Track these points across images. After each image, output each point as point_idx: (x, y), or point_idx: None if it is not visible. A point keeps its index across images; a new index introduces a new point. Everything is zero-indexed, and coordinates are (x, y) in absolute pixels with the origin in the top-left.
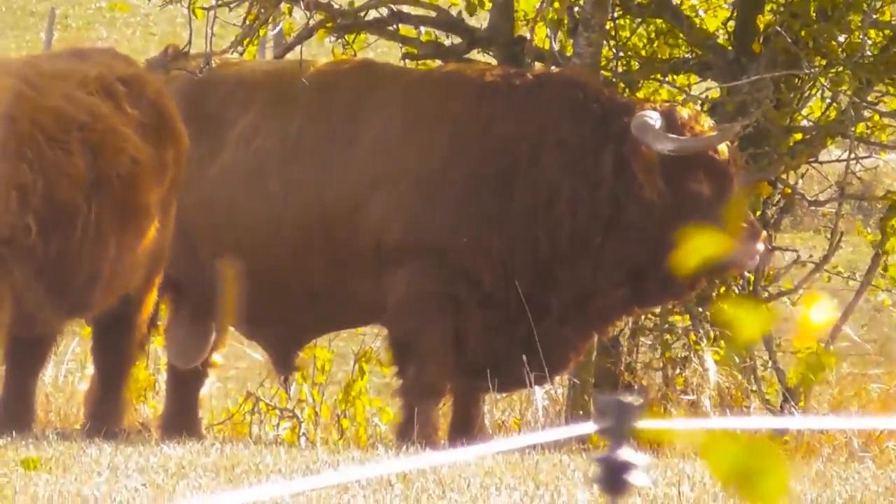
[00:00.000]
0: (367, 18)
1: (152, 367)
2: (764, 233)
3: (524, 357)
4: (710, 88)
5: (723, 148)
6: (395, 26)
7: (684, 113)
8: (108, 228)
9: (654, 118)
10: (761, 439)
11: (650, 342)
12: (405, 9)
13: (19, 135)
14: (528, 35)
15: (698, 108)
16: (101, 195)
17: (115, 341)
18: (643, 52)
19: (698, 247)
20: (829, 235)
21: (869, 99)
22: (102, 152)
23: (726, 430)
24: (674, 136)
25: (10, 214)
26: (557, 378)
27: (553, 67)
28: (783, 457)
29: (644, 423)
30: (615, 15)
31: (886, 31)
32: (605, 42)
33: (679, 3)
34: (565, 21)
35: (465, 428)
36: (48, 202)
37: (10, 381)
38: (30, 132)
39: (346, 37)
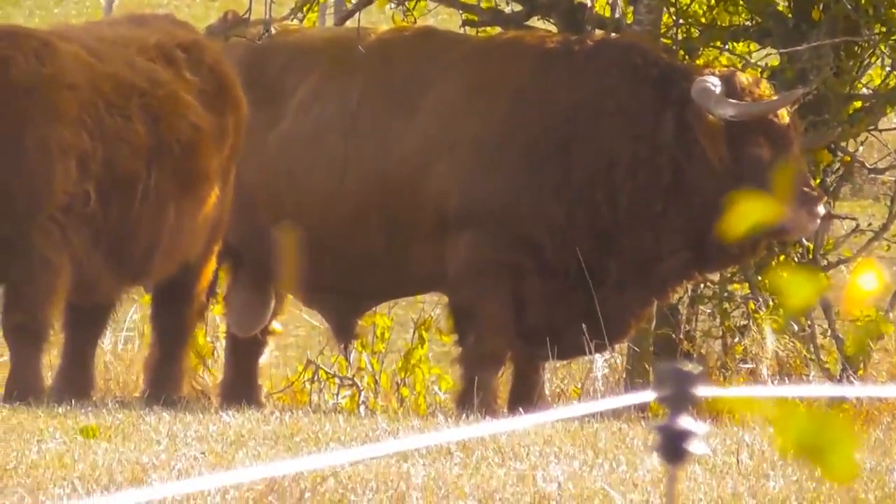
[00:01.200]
0: None
1: (211, 334)
2: (824, 196)
3: (584, 325)
4: (769, 55)
5: (783, 112)
6: None
7: (744, 78)
8: (168, 196)
9: (714, 83)
10: (831, 412)
11: (709, 311)
12: None
13: (80, 102)
14: (588, 2)
15: (758, 74)
16: (161, 162)
17: (174, 309)
18: (703, 20)
19: (748, 212)
20: (888, 203)
21: None
22: (162, 119)
23: (791, 401)
24: (734, 101)
25: (69, 182)
26: (617, 346)
27: (613, 34)
28: (852, 429)
29: (703, 392)
30: None
31: None
32: (664, 9)
33: None
34: None
35: (525, 396)
36: (108, 169)
37: (69, 349)
38: (90, 99)
39: (406, 4)
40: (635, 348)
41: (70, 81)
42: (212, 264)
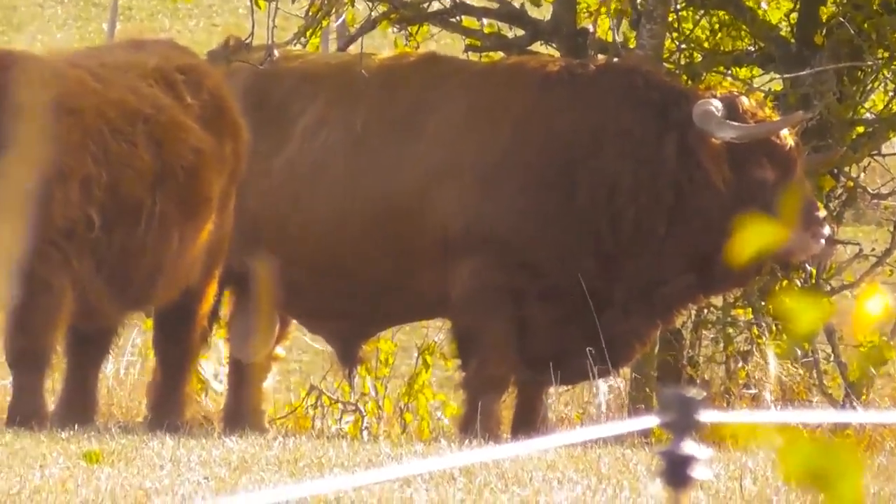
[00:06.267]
0: (429, 10)
1: (215, 359)
2: (829, 218)
3: (589, 349)
4: (772, 80)
5: (786, 135)
6: (458, 18)
7: (745, 101)
8: (172, 221)
9: (716, 106)
10: (836, 438)
11: (712, 336)
12: (468, 0)
13: (84, 127)
14: (590, 27)
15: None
16: (166, 188)
17: (176, 334)
18: (706, 44)
19: (752, 235)
20: (891, 228)
21: None
22: (166, 144)
23: (795, 427)
24: (736, 123)
25: (72, 207)
26: (620, 371)
27: (615, 59)
28: (859, 456)
29: (706, 417)
30: (678, 7)
31: None
32: (667, 34)
33: None
34: (628, 12)
35: (528, 421)
36: (113, 195)
37: (71, 374)
38: (95, 125)
39: (408, 28)
40: (638, 374)
41: (74, 106)
42: (213, 289)
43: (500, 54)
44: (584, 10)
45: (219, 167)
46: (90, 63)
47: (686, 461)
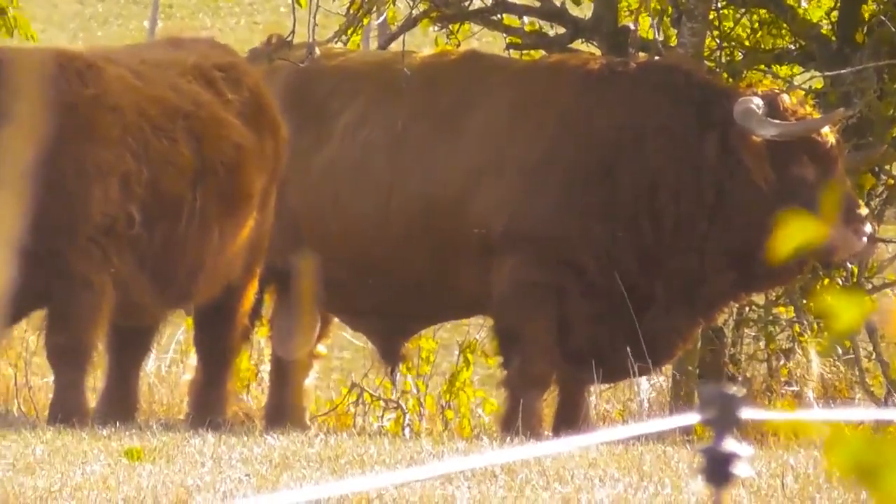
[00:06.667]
0: (471, 8)
1: (255, 357)
2: (866, 212)
3: (628, 347)
4: (813, 78)
5: (827, 132)
6: (499, 16)
7: (786, 98)
8: (212, 217)
9: (757, 103)
10: (886, 435)
11: (754, 333)
12: None
13: (125, 124)
14: (631, 25)
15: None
16: (206, 184)
17: (217, 332)
18: (746, 42)
19: (794, 232)
20: None
21: None
22: (206, 140)
23: (838, 424)
24: (777, 121)
25: (108, 204)
26: (662, 368)
27: (656, 57)
28: None
29: (747, 414)
30: (719, 5)
31: None
32: (708, 32)
33: None
34: (669, 11)
35: (570, 419)
36: (153, 192)
37: (112, 372)
38: (135, 122)
39: (450, 26)
40: (680, 371)
41: (113, 103)
42: (253, 286)
43: (541, 52)
44: (626, 8)
45: (259, 164)
46: (130, 60)
47: (727, 458)
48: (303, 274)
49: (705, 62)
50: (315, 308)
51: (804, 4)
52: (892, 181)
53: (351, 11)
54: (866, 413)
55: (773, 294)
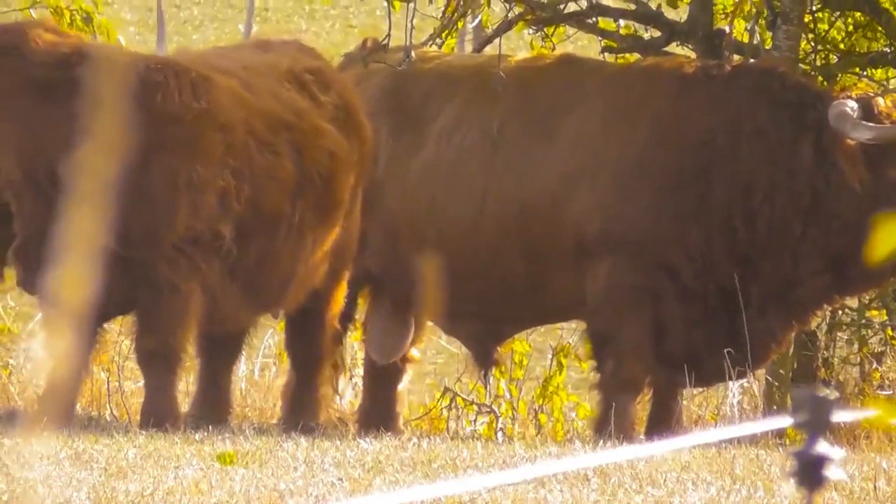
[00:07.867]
0: (566, 11)
1: (349, 361)
2: None
3: (728, 350)
4: None
5: None
6: (594, 19)
7: (881, 101)
8: (308, 227)
9: (851, 107)
10: None
11: (847, 337)
12: (605, 1)
13: (230, 143)
14: (726, 28)
15: None
16: (305, 195)
17: (308, 336)
18: (841, 46)
19: (890, 234)
20: None
21: None
22: (306, 151)
23: None
24: (872, 124)
25: (198, 217)
26: (755, 372)
27: (751, 60)
28: None
29: (840, 417)
30: (814, 8)
31: None
32: (803, 35)
33: None
34: (764, 13)
35: (663, 422)
36: (254, 208)
37: (204, 376)
38: (243, 140)
39: (545, 30)
40: (772, 375)
41: (223, 121)
42: (342, 290)
43: (637, 56)
44: (721, 11)
45: (350, 170)
46: (235, 68)
47: (820, 462)
48: (398, 278)
49: (800, 65)
50: (409, 312)
51: None
52: None
53: (446, 14)
54: None
55: (866, 297)
